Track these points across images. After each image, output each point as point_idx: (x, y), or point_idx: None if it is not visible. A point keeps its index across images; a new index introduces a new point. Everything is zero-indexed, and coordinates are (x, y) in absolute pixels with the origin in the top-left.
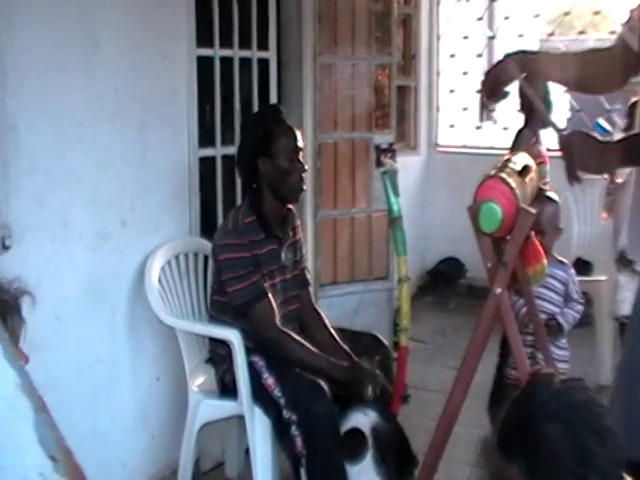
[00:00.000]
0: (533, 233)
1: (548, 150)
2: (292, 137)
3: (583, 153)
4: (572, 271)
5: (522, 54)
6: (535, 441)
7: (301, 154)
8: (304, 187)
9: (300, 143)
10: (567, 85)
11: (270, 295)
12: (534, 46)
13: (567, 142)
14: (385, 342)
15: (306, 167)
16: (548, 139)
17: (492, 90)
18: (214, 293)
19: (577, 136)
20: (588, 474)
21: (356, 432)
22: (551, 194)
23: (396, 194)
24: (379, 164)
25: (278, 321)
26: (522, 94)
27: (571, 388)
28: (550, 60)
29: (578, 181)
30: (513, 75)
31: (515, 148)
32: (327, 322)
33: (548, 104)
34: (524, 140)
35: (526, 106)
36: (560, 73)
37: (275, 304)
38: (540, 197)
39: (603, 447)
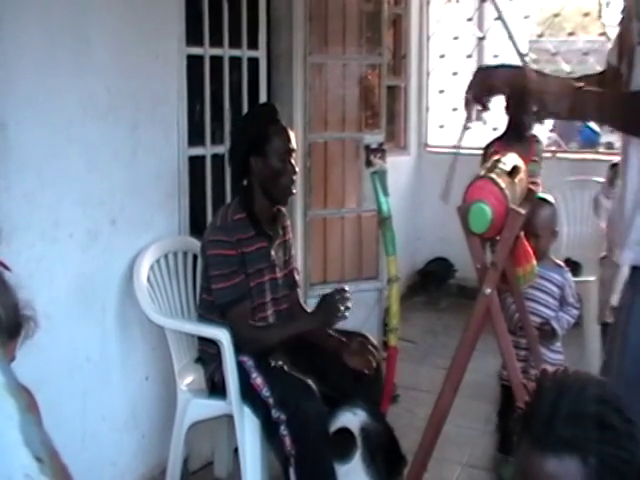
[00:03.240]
0: (527, 236)
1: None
2: (286, 138)
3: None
4: (569, 275)
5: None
6: (592, 425)
7: (293, 156)
8: (294, 190)
9: (293, 144)
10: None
11: (252, 297)
12: (524, 47)
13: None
14: (374, 342)
15: (297, 169)
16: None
17: (482, 94)
18: (203, 291)
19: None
20: (635, 448)
21: (345, 432)
22: (547, 196)
23: (386, 194)
24: (369, 164)
25: (251, 322)
26: (509, 100)
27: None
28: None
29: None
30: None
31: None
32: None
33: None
34: (489, 151)
35: (511, 112)
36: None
37: (259, 303)
38: (530, 197)
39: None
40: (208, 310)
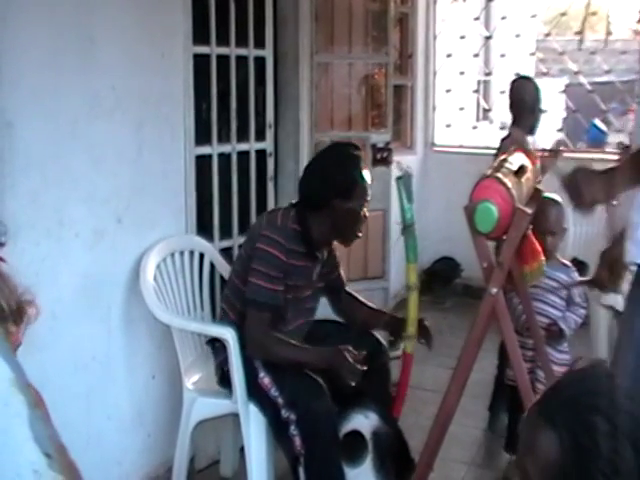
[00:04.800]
0: (535, 236)
1: (539, 151)
2: (367, 185)
3: (590, 187)
4: (575, 274)
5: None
6: (581, 425)
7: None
8: (360, 235)
9: (370, 193)
10: None
11: (282, 309)
12: (531, 46)
13: (571, 181)
14: (384, 344)
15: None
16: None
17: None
18: (237, 277)
19: (579, 172)
20: (614, 479)
21: (356, 434)
22: (554, 196)
23: (410, 200)
24: (375, 163)
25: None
26: (512, 94)
27: (630, 395)
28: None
29: (590, 212)
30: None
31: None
32: (363, 300)
33: (538, 110)
34: (502, 148)
35: (514, 108)
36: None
37: (288, 316)
38: (537, 197)
39: (636, 461)
40: (236, 295)
